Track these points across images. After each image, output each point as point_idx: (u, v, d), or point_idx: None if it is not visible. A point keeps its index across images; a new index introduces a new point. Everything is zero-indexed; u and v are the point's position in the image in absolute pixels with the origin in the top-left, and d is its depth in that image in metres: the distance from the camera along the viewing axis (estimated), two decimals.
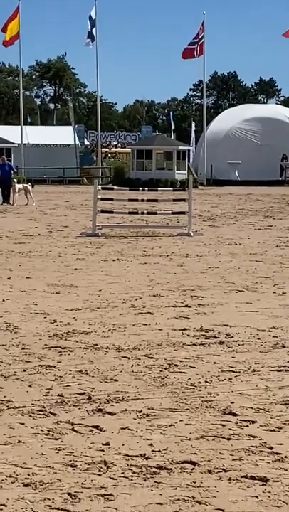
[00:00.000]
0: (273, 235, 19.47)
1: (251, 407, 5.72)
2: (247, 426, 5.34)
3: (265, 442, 5.02)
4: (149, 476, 4.50)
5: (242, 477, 4.48)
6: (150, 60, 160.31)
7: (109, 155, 63.16)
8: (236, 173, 54.93)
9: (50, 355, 7.21)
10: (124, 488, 4.32)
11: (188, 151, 54.47)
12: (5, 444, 4.98)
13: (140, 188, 23.98)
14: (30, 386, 6.24)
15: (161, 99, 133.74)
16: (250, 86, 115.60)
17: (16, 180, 32.49)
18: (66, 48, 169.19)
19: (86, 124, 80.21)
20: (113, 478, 4.45)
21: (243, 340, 7.86)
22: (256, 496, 4.23)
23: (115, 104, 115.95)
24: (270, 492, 4.29)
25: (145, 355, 7.22)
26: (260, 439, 5.08)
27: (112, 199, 21.72)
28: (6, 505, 4.09)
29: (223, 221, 23.75)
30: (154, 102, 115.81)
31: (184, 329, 8.35)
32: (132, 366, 6.85)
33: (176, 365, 6.87)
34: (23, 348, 7.47)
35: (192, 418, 5.48)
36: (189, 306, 9.68)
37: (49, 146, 58.94)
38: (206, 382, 6.37)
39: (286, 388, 6.21)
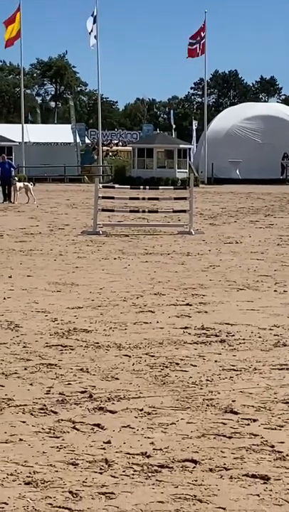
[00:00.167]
0: (274, 233, 19.48)
1: (252, 406, 5.71)
2: (248, 424, 5.34)
3: (266, 441, 5.01)
4: (150, 474, 4.49)
5: (243, 475, 4.47)
6: (151, 59, 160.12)
7: (110, 153, 63.10)
8: (237, 171, 54.97)
9: (51, 354, 7.21)
10: (125, 487, 4.32)
11: (189, 149, 54.53)
12: (6, 442, 4.97)
13: (141, 187, 24.05)
14: (31, 384, 6.24)
15: (162, 97, 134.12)
16: (251, 84, 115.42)
17: (16, 179, 32.48)
18: (67, 47, 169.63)
19: (87, 123, 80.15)
20: (114, 477, 4.45)
21: (244, 339, 7.85)
22: (257, 495, 4.23)
23: (116, 102, 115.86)
24: (271, 490, 4.28)
25: (146, 354, 7.22)
26: (262, 437, 5.08)
27: (113, 197, 21.70)
28: (7, 504, 4.09)
29: (224, 219, 23.74)
30: (155, 100, 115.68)
31: (185, 327, 8.35)
32: (133, 364, 6.85)
33: (177, 364, 6.86)
34: (24, 347, 7.47)
35: (193, 416, 5.48)
36: (190, 305, 9.68)
37: (50, 144, 58.93)
38: (207, 380, 6.36)
39: (287, 387, 6.21)
